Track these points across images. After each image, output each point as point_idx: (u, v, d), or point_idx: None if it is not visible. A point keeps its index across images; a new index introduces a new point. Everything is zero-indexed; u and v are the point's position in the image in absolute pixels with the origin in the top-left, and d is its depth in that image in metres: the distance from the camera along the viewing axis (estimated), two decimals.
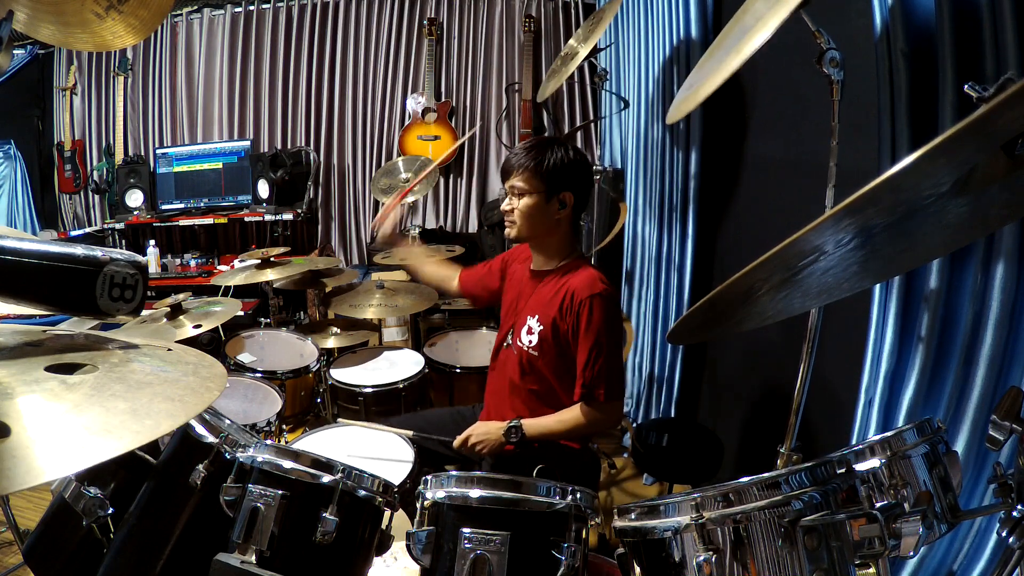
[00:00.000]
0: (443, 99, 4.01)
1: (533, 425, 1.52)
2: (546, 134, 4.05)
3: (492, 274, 1.85)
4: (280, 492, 0.96)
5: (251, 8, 4.06)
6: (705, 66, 1.46)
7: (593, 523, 0.99)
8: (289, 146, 4.17)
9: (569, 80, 3.84)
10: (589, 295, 1.46)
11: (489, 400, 1.74)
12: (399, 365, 2.34)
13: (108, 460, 0.52)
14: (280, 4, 4.05)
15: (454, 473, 0.99)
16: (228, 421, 1.13)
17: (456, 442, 1.56)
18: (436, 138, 3.96)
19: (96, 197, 4.33)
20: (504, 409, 1.65)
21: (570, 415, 1.52)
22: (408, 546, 0.97)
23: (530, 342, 1.57)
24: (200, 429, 1.08)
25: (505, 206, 1.57)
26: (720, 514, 0.80)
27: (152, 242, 3.84)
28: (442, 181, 4.07)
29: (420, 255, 2.03)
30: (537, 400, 1.60)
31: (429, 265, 2.04)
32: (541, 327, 1.55)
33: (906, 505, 0.75)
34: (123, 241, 4.11)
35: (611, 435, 2.97)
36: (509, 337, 1.66)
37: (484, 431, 1.54)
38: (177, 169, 4.03)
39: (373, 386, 2.17)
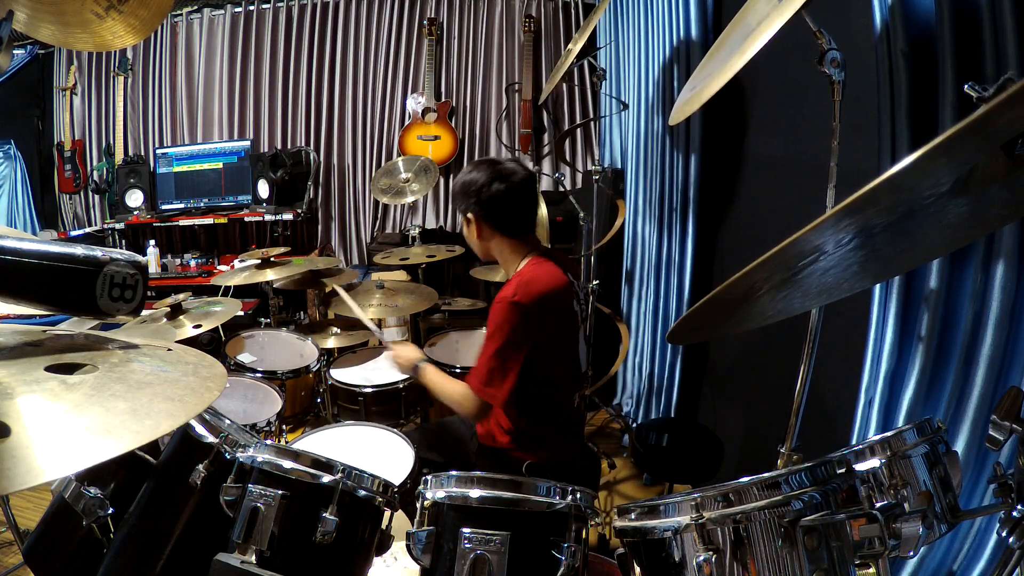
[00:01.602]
0: (443, 99, 4.01)
1: (430, 374, 1.69)
2: (546, 134, 4.05)
3: None
4: (280, 492, 0.96)
5: (251, 8, 4.06)
6: (707, 67, 1.46)
7: (593, 523, 0.99)
8: (289, 146, 4.17)
9: (569, 80, 3.84)
10: (498, 299, 1.51)
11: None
12: None
13: (108, 460, 0.51)
14: (280, 4, 4.05)
15: (454, 473, 0.99)
16: (228, 421, 1.13)
17: (389, 346, 1.82)
18: (436, 138, 3.96)
19: (96, 197, 4.33)
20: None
21: (456, 386, 1.60)
22: (408, 546, 0.97)
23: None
24: (200, 429, 1.08)
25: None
26: (720, 514, 0.80)
27: (152, 242, 3.83)
28: (442, 181, 4.07)
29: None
30: (510, 408, 1.58)
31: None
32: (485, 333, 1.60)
33: (906, 505, 0.75)
34: (123, 241, 4.11)
35: (611, 435, 2.98)
36: None
37: (406, 354, 1.77)
38: (177, 169, 4.03)
39: (373, 386, 2.17)
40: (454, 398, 1.59)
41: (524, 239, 1.61)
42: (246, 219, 3.98)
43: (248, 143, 4.03)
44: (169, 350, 0.76)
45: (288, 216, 3.83)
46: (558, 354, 1.57)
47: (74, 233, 4.08)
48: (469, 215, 1.60)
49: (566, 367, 1.61)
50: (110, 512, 1.04)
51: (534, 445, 1.59)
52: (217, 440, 1.06)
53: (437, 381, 1.67)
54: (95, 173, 4.28)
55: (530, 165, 4.06)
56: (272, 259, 2.51)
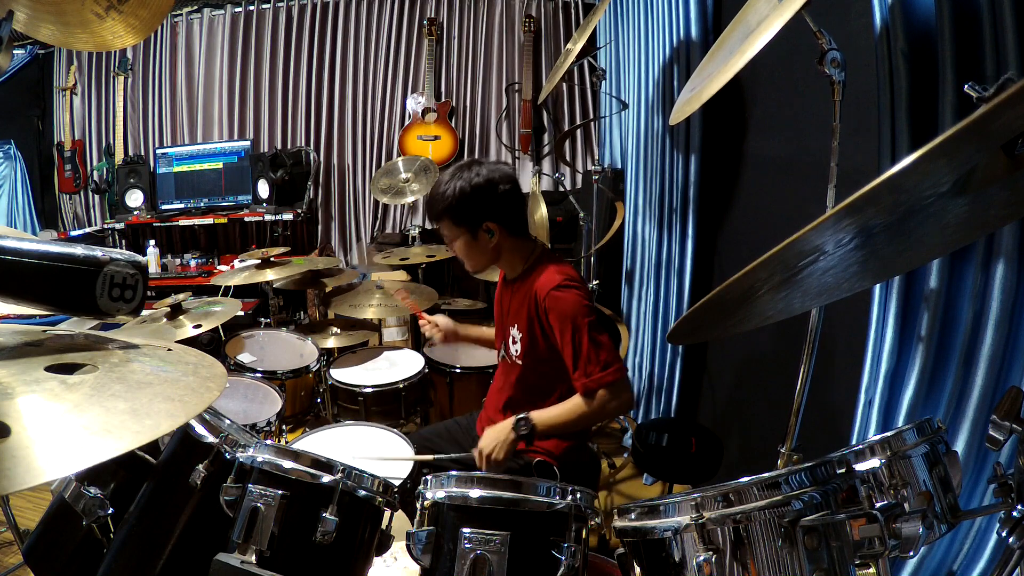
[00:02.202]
0: (443, 99, 4.01)
1: (542, 416, 1.45)
2: (545, 134, 4.05)
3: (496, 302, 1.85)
4: (280, 492, 0.96)
5: (251, 8, 4.06)
6: (707, 67, 1.46)
7: (593, 523, 0.99)
8: (289, 146, 4.17)
9: (569, 80, 3.84)
10: (548, 290, 1.46)
11: (486, 413, 1.75)
12: (399, 365, 2.34)
13: (108, 460, 0.52)
14: (280, 4, 4.05)
15: (454, 473, 0.99)
16: (228, 421, 1.13)
17: (479, 462, 1.48)
18: (436, 138, 3.96)
19: (96, 197, 4.33)
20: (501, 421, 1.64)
21: (577, 402, 1.45)
22: (408, 546, 0.97)
23: (517, 351, 1.58)
24: (200, 429, 1.08)
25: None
26: (720, 514, 0.80)
27: (152, 242, 3.83)
28: None
29: (470, 333, 1.98)
30: (533, 408, 1.58)
31: (482, 334, 2.00)
32: (521, 335, 1.56)
33: (906, 505, 0.75)
34: (123, 241, 4.11)
35: (611, 435, 2.97)
36: (503, 350, 1.67)
37: (492, 437, 1.46)
38: (177, 169, 4.03)
39: (373, 386, 2.17)
40: (592, 413, 1.44)
41: (529, 237, 1.60)
42: (246, 219, 3.98)
43: (248, 143, 4.03)
44: (169, 350, 0.76)
45: (288, 216, 3.83)
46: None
47: (74, 233, 4.08)
48: (490, 225, 1.50)
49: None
50: (110, 512, 1.04)
51: (550, 442, 1.58)
52: (217, 440, 1.06)
53: (557, 415, 1.46)
54: (95, 173, 4.28)
55: (530, 165, 4.06)
56: (272, 259, 2.51)
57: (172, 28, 4.15)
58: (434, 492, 0.98)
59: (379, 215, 4.23)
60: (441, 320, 1.87)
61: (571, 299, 1.44)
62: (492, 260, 1.58)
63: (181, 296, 1.99)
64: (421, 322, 1.90)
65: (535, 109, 3.96)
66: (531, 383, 1.59)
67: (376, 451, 1.65)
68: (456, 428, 1.83)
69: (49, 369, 0.62)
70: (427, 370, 2.30)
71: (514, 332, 1.58)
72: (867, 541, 0.72)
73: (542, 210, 2.70)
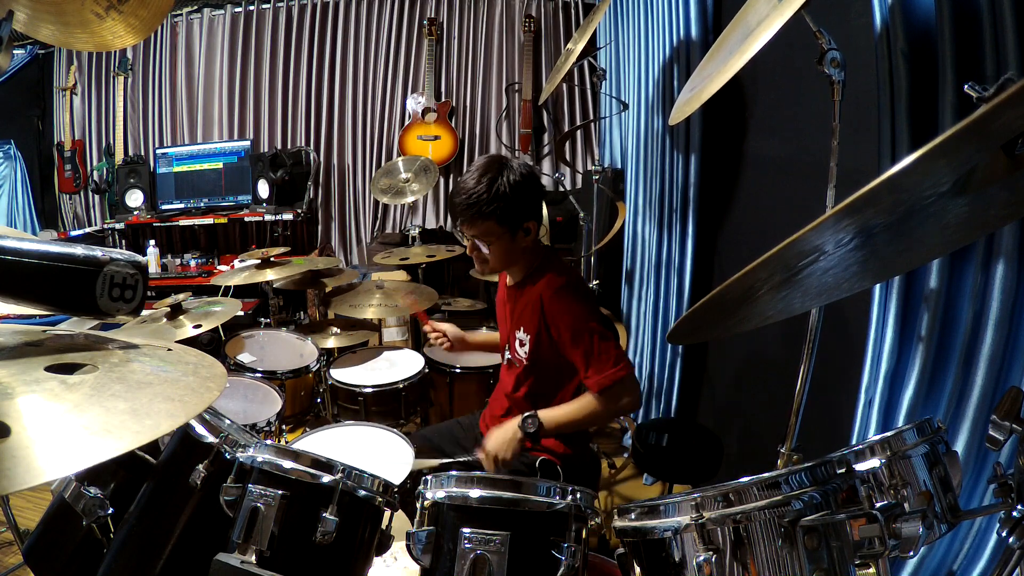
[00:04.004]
0: (443, 99, 4.01)
1: (550, 414, 1.44)
2: (546, 134, 4.05)
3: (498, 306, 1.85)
4: (280, 492, 0.96)
5: (251, 8, 4.06)
6: (707, 67, 1.46)
7: (593, 523, 0.99)
8: (289, 146, 4.17)
9: (569, 80, 3.85)
10: (552, 293, 1.46)
11: (490, 413, 1.75)
12: (399, 365, 2.34)
13: (108, 460, 0.52)
14: (280, 4, 4.06)
15: (454, 473, 0.99)
16: (228, 421, 1.13)
17: (486, 464, 1.46)
18: (436, 138, 3.96)
19: (96, 197, 4.33)
20: (508, 407, 1.66)
21: (588, 400, 1.44)
22: (408, 546, 0.97)
23: (524, 354, 1.58)
24: (200, 429, 1.08)
25: (472, 251, 1.52)
26: (720, 514, 0.80)
27: (152, 242, 3.84)
28: (442, 181, 4.08)
29: (477, 340, 1.98)
30: (546, 399, 1.58)
31: (488, 339, 2.01)
32: (528, 336, 1.55)
33: (906, 505, 0.75)
34: (123, 241, 4.11)
35: (611, 435, 2.97)
36: (508, 352, 1.67)
37: (499, 437, 1.45)
38: (177, 169, 4.03)
39: (373, 386, 2.17)
40: (603, 412, 1.44)
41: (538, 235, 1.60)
42: (246, 219, 3.98)
43: (248, 143, 4.03)
44: (169, 350, 0.76)
45: (288, 216, 3.83)
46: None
47: (74, 233, 4.08)
48: (529, 224, 1.47)
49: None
50: (110, 512, 1.04)
51: (555, 441, 1.58)
52: (217, 440, 1.06)
53: (565, 413, 1.46)
54: (95, 173, 4.28)
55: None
56: (272, 259, 2.51)
57: (172, 28, 4.15)
58: (434, 492, 0.98)
59: (379, 215, 4.23)
60: (449, 330, 1.88)
61: (576, 301, 1.45)
62: (518, 261, 1.56)
63: (181, 296, 1.99)
64: (431, 333, 1.90)
65: (535, 109, 3.96)
66: (536, 385, 1.60)
67: (379, 453, 1.65)
68: (458, 428, 1.83)
69: (49, 369, 0.62)
70: (427, 370, 2.30)
71: (520, 335, 1.58)
72: (867, 541, 0.72)
73: (542, 210, 2.70)
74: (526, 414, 1.44)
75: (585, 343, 1.42)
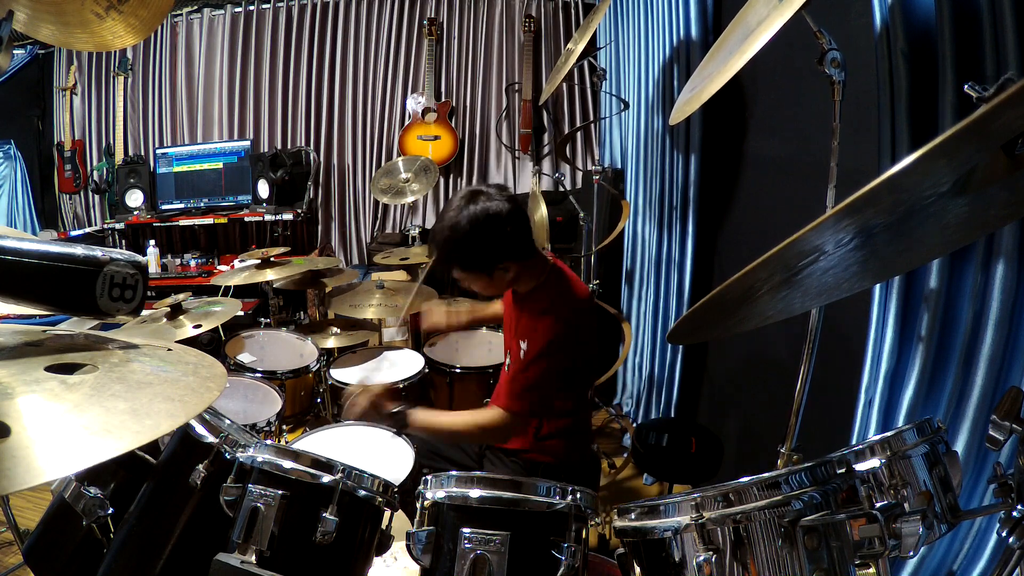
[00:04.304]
0: (443, 99, 4.01)
1: (424, 417, 1.48)
2: (546, 134, 4.05)
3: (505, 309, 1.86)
4: (280, 492, 0.96)
5: (251, 8, 4.06)
6: (707, 67, 1.46)
7: (593, 523, 0.99)
8: (289, 146, 4.17)
9: (569, 80, 3.84)
10: (542, 311, 1.47)
11: None
12: (399, 365, 2.34)
13: (108, 460, 0.51)
14: (280, 4, 4.05)
15: (454, 473, 0.99)
16: (228, 421, 1.13)
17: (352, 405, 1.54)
18: (436, 138, 3.96)
19: (96, 197, 4.33)
20: None
21: (468, 417, 1.49)
22: (408, 546, 0.97)
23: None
24: (200, 429, 1.08)
25: (463, 284, 1.56)
26: (720, 514, 0.80)
27: (152, 242, 3.83)
28: (442, 181, 4.08)
29: (472, 312, 2.03)
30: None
31: (482, 312, 2.05)
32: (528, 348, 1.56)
33: (906, 505, 0.75)
34: (123, 241, 4.11)
35: (611, 435, 2.97)
36: (507, 359, 1.68)
37: (372, 401, 1.51)
38: (177, 169, 4.03)
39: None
40: (475, 430, 1.48)
41: (539, 254, 1.59)
42: (246, 219, 3.98)
43: (248, 143, 4.03)
44: (169, 350, 0.76)
45: (288, 216, 3.83)
46: (589, 358, 1.57)
47: (74, 233, 4.08)
48: (505, 264, 1.47)
49: (591, 362, 1.62)
50: (110, 512, 1.04)
51: (552, 445, 1.59)
52: (217, 440, 1.06)
53: (439, 421, 1.50)
54: (95, 173, 4.28)
55: (530, 165, 4.06)
56: (272, 259, 2.50)
57: (172, 28, 4.15)
58: (434, 492, 0.98)
59: (379, 215, 4.23)
60: (438, 319, 1.92)
61: (553, 330, 1.46)
62: (509, 287, 1.59)
63: (181, 296, 1.99)
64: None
65: (535, 109, 3.96)
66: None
67: (379, 453, 1.66)
68: None
69: (49, 369, 0.62)
70: (427, 370, 2.29)
71: (524, 345, 1.58)
72: (867, 541, 0.72)
73: (542, 210, 2.70)
74: (399, 409, 1.48)
75: (530, 366, 1.45)
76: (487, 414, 1.49)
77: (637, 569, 0.91)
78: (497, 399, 1.49)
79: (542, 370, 1.44)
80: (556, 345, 1.44)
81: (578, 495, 0.96)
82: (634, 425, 2.84)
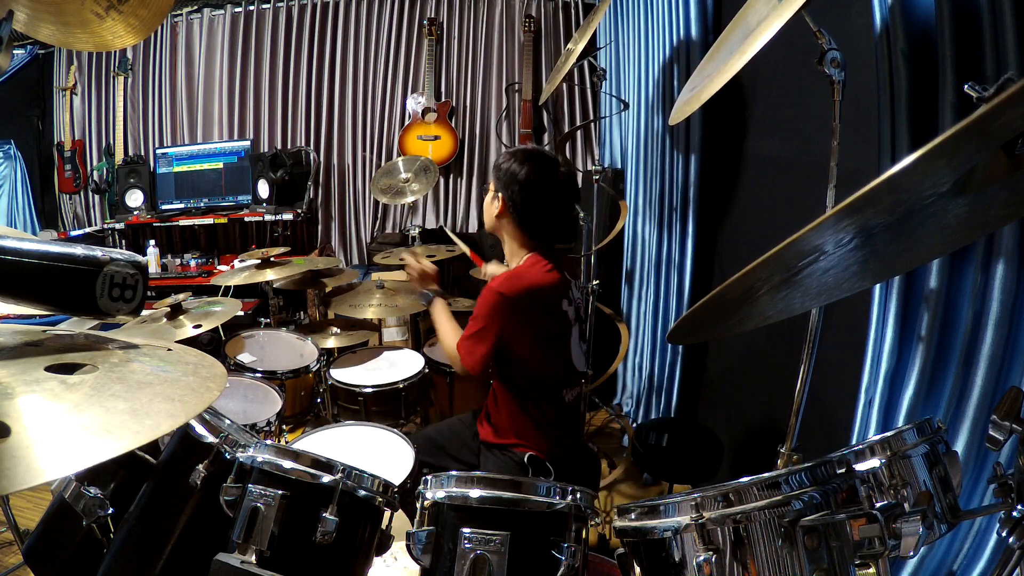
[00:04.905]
0: (443, 99, 4.01)
1: (438, 313, 1.79)
2: (546, 134, 4.05)
3: None
4: (280, 492, 0.96)
5: (251, 8, 4.06)
6: (707, 67, 1.46)
7: (593, 523, 0.99)
8: (289, 146, 4.17)
9: (569, 80, 3.84)
10: (487, 288, 1.56)
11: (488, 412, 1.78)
12: (399, 365, 2.34)
13: (108, 460, 0.51)
14: (280, 4, 4.05)
15: (454, 473, 0.99)
16: (228, 421, 1.13)
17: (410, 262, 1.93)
18: (436, 138, 3.96)
19: (96, 197, 4.33)
20: (489, 403, 1.74)
21: (451, 339, 1.68)
22: (408, 546, 0.97)
23: None
24: (200, 429, 1.08)
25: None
26: (720, 514, 0.80)
27: (152, 242, 3.84)
28: (442, 181, 4.07)
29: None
30: (504, 393, 1.65)
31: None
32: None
33: (906, 505, 0.75)
34: (123, 241, 4.11)
35: (611, 435, 2.98)
36: None
37: (421, 272, 1.92)
38: (177, 169, 4.03)
39: (373, 386, 2.17)
40: (447, 345, 1.70)
41: (538, 239, 1.63)
42: (246, 219, 3.98)
43: (248, 143, 4.03)
44: (169, 350, 0.76)
45: (288, 216, 3.83)
46: (543, 346, 1.59)
47: (74, 233, 4.08)
48: (500, 195, 1.62)
49: (554, 361, 1.63)
50: (110, 512, 1.04)
51: (532, 438, 1.62)
52: (217, 440, 1.06)
53: (442, 321, 1.77)
54: (95, 173, 4.28)
55: None
56: (272, 259, 2.51)
57: (172, 28, 4.15)
58: (434, 492, 0.98)
59: (379, 215, 4.23)
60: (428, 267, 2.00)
61: (488, 301, 1.54)
62: (494, 228, 1.69)
63: (181, 296, 1.99)
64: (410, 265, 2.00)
65: (535, 109, 3.96)
66: (501, 382, 1.66)
67: (379, 453, 1.66)
68: (459, 426, 1.83)
69: (49, 369, 0.62)
70: (427, 370, 2.30)
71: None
72: (867, 541, 0.72)
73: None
74: (434, 291, 1.88)
75: (468, 326, 1.60)
76: (452, 342, 1.66)
77: (637, 569, 0.91)
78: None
79: (472, 331, 1.57)
80: (483, 313, 1.55)
81: (578, 495, 0.96)
82: (634, 425, 2.84)
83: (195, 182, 4.01)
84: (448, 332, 1.73)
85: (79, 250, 0.68)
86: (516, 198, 1.58)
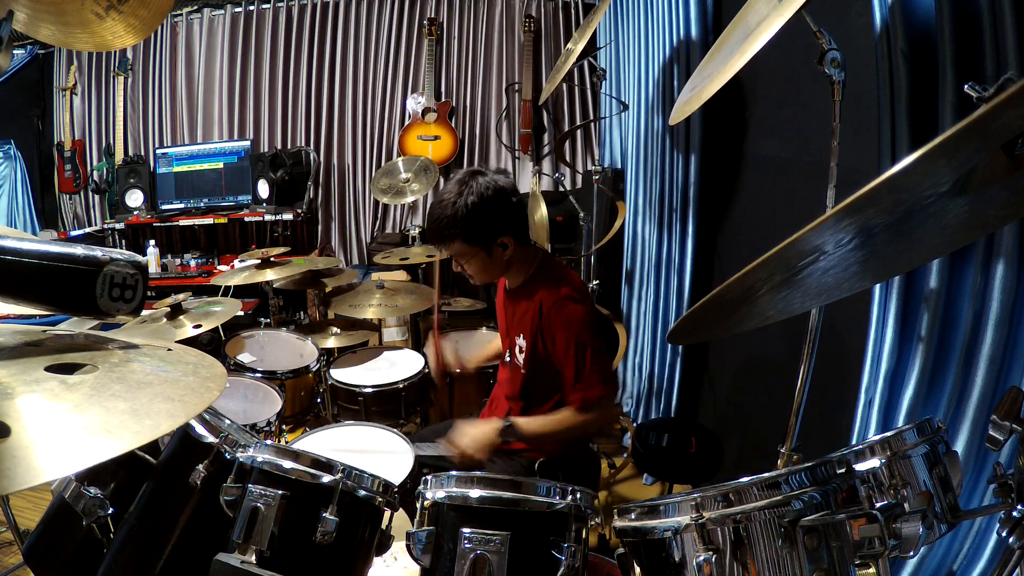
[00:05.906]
0: (443, 99, 4.01)
1: (529, 425, 1.48)
2: (545, 134, 4.05)
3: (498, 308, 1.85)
4: (280, 492, 0.96)
5: (251, 8, 4.06)
6: (707, 67, 1.46)
7: (593, 523, 0.99)
8: (289, 146, 4.17)
9: (569, 80, 3.84)
10: (552, 303, 1.46)
11: (490, 412, 1.75)
12: (399, 365, 2.34)
13: (108, 460, 0.51)
14: (280, 4, 4.05)
15: (454, 473, 0.99)
16: (228, 421, 1.13)
17: (454, 456, 1.48)
18: (436, 138, 3.96)
19: (96, 197, 4.33)
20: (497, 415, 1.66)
21: (566, 415, 1.47)
22: (408, 546, 0.97)
23: (523, 360, 1.58)
24: (200, 429, 1.08)
25: (456, 268, 1.55)
26: (720, 514, 0.80)
27: (152, 242, 3.84)
28: (442, 181, 4.06)
29: (479, 357, 2.04)
30: (530, 414, 1.59)
31: (486, 352, 2.06)
32: (526, 343, 1.56)
33: (906, 505, 0.75)
34: (123, 241, 4.11)
35: (611, 435, 2.97)
36: (508, 355, 1.69)
37: (475, 437, 1.45)
38: (177, 169, 4.03)
39: (373, 386, 2.17)
40: (578, 426, 1.47)
41: (532, 244, 1.60)
42: (246, 219, 3.98)
43: (248, 143, 4.03)
44: (169, 350, 0.76)
45: (288, 216, 3.83)
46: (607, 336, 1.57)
47: (74, 233, 4.08)
48: (504, 239, 1.47)
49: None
50: (110, 512, 1.04)
51: (548, 444, 1.59)
52: (217, 440, 1.06)
53: (543, 424, 1.49)
54: (95, 173, 4.28)
55: (530, 165, 4.06)
56: (272, 259, 2.51)
57: (172, 28, 4.15)
58: (434, 492, 0.98)
59: (379, 215, 4.23)
60: (451, 358, 1.94)
61: (576, 313, 1.45)
62: (503, 273, 1.58)
63: (181, 296, 1.99)
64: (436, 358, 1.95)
65: (535, 109, 3.96)
66: (532, 391, 1.61)
67: (379, 453, 1.66)
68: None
69: (49, 369, 0.62)
70: (427, 370, 2.29)
71: (520, 341, 1.59)
72: (867, 541, 0.72)
73: (542, 210, 2.70)
74: (506, 424, 1.45)
75: (578, 357, 1.43)
76: (573, 413, 1.46)
77: (637, 569, 0.91)
78: (573, 396, 1.47)
79: (589, 354, 1.42)
80: (585, 328, 1.44)
81: (578, 495, 0.96)
82: (634, 425, 2.84)
83: (195, 182, 4.01)
84: (553, 420, 1.48)
85: (79, 250, 0.68)
86: (515, 223, 1.48)
